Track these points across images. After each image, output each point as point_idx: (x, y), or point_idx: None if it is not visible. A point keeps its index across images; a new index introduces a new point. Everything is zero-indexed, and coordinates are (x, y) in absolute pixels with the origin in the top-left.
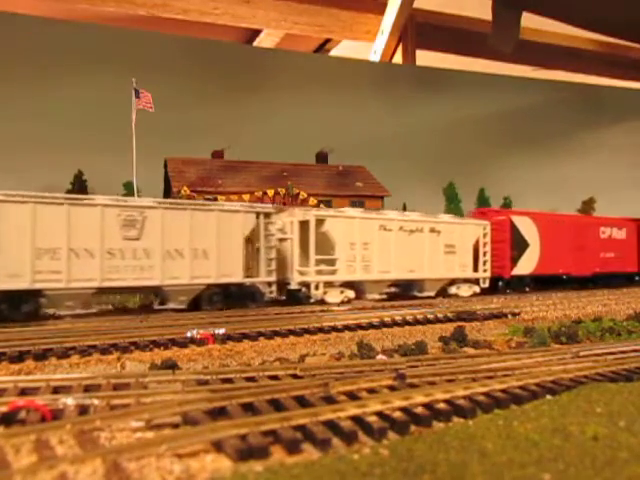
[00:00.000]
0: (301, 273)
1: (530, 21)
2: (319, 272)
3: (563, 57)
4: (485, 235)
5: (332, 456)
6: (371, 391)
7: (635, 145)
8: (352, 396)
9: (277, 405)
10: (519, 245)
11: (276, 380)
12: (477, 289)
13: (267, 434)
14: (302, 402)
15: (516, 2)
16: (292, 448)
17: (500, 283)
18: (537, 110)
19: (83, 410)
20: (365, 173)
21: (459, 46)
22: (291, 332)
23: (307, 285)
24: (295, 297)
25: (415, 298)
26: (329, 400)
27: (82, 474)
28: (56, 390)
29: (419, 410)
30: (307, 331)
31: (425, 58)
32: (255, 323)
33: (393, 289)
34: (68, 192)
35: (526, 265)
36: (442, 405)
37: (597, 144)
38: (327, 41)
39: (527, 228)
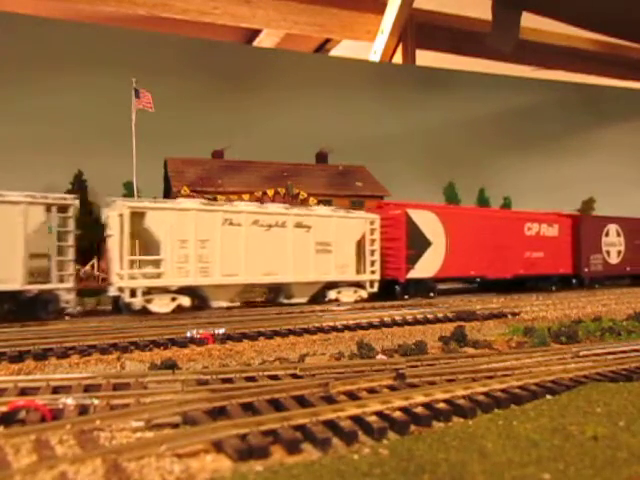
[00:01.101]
0: (120, 277)
1: (530, 21)
2: (141, 276)
3: (563, 57)
4: (373, 231)
5: (332, 456)
6: (371, 391)
7: (635, 145)
8: (352, 396)
9: (277, 405)
10: (418, 243)
11: (276, 380)
12: (364, 294)
13: (267, 434)
14: (302, 402)
15: (516, 2)
16: (292, 448)
17: (397, 287)
18: (537, 110)
19: (83, 410)
20: (365, 173)
21: (459, 46)
22: (291, 332)
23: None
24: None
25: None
26: (329, 400)
27: (82, 474)
28: (56, 390)
29: (419, 410)
30: (307, 331)
31: (425, 58)
32: (255, 323)
33: (261, 296)
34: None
35: (427, 267)
36: (442, 405)
37: (597, 144)
38: (327, 41)
39: (429, 224)
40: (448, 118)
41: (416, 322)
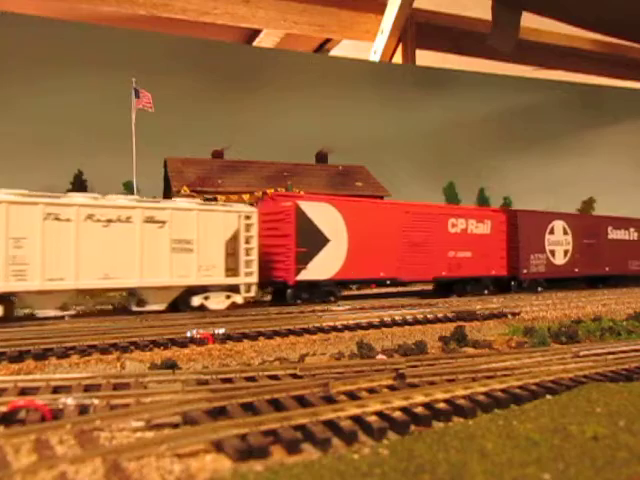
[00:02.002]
0: None
1: (530, 21)
2: None
3: (563, 57)
4: (249, 227)
5: (332, 456)
6: (371, 391)
7: (636, 145)
8: (352, 396)
9: (277, 405)
10: (312, 240)
11: (276, 380)
12: (239, 299)
13: (267, 434)
14: (302, 402)
15: (516, 2)
16: (292, 448)
17: (289, 291)
18: (537, 110)
19: (83, 410)
20: (365, 173)
21: (459, 46)
22: (291, 332)
23: None
24: None
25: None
26: (329, 400)
27: (82, 474)
28: (56, 390)
29: (419, 410)
30: (307, 331)
31: (425, 58)
32: (255, 323)
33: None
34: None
35: (324, 267)
36: (442, 405)
37: (597, 144)
38: (327, 41)
39: (327, 218)
40: (448, 118)
41: (416, 322)
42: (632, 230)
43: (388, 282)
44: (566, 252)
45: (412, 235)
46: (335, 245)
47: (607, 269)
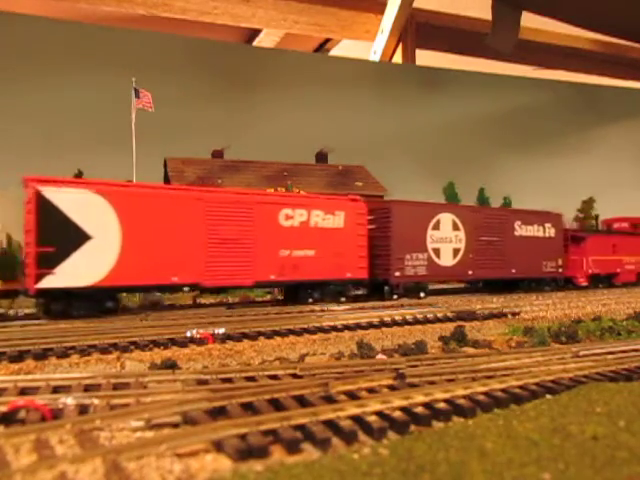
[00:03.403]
0: None
1: (530, 21)
2: None
3: (563, 57)
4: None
5: (332, 456)
6: (371, 391)
7: (636, 145)
8: (352, 396)
9: (277, 405)
10: (62, 237)
11: (276, 380)
12: None
13: (267, 434)
14: (302, 402)
15: (516, 2)
16: (292, 448)
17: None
18: (537, 110)
19: (83, 410)
20: (364, 173)
21: (459, 46)
22: (291, 332)
23: None
24: None
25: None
26: (329, 400)
27: (82, 474)
28: (56, 390)
29: (419, 410)
30: (307, 331)
31: (425, 58)
32: (255, 323)
33: None
34: None
35: (81, 271)
36: (442, 405)
37: (597, 144)
38: (327, 41)
39: (87, 209)
40: (448, 118)
41: (416, 322)
42: (548, 226)
43: (186, 289)
44: (456, 251)
45: (222, 230)
46: (99, 243)
47: (513, 271)
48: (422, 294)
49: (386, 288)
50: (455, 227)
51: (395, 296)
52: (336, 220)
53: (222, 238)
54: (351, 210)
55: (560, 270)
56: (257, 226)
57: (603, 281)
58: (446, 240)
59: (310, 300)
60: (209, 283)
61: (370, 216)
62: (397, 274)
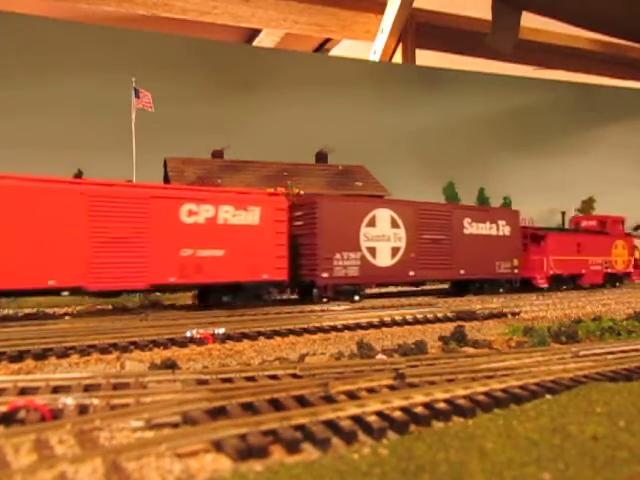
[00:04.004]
0: None
1: (530, 21)
2: None
3: (563, 57)
4: None
5: (332, 456)
6: (371, 391)
7: (636, 145)
8: (352, 396)
9: (277, 405)
10: None
11: (276, 380)
12: None
13: (267, 434)
14: (302, 402)
15: (516, 2)
16: (292, 448)
17: None
18: (537, 110)
19: (83, 410)
20: (364, 172)
21: (459, 46)
22: (291, 332)
23: None
24: None
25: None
26: (329, 400)
27: (82, 474)
28: (56, 390)
29: (419, 410)
30: (307, 331)
31: (425, 58)
32: (255, 323)
33: None
34: None
35: None
36: (442, 405)
37: (597, 144)
38: (327, 41)
39: None
40: (448, 118)
41: (416, 322)
42: (502, 224)
43: (66, 293)
44: (396, 250)
45: (109, 227)
46: None
47: (462, 272)
48: (356, 297)
49: (315, 291)
50: (394, 224)
51: (325, 299)
52: (250, 216)
53: (110, 237)
54: (268, 205)
55: (516, 271)
56: (152, 223)
57: (567, 282)
58: (383, 238)
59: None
60: (94, 287)
61: (297, 212)
62: (324, 275)
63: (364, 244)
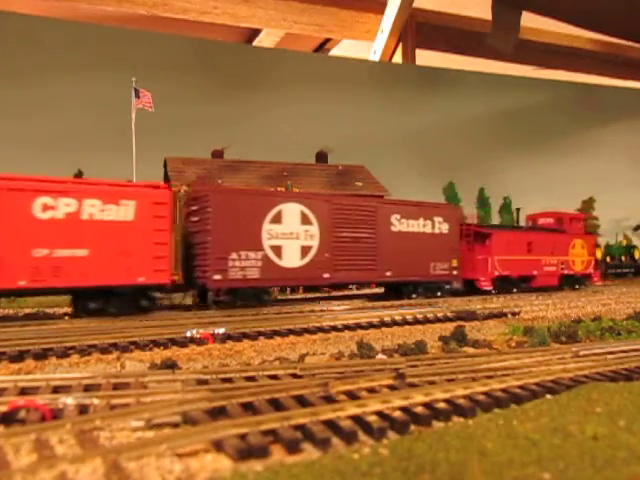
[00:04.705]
0: None
1: (530, 21)
2: None
3: (563, 57)
4: None
5: (332, 455)
6: (371, 390)
7: (636, 144)
8: (352, 395)
9: (277, 404)
10: None
11: (276, 379)
12: None
13: (267, 433)
14: (302, 401)
15: (516, 2)
16: (292, 447)
17: None
18: (537, 110)
19: (83, 409)
20: (364, 172)
21: (459, 46)
22: (291, 331)
23: None
24: None
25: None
26: (329, 399)
27: (82, 473)
28: (56, 389)
29: (419, 409)
30: (307, 330)
31: (425, 58)
32: (255, 322)
33: None
34: None
35: None
36: (442, 404)
37: (597, 143)
38: (327, 40)
39: None
40: (448, 118)
41: (416, 322)
42: (439, 220)
43: None
44: (307, 250)
45: None
46: None
47: (388, 274)
48: (266, 297)
49: (209, 294)
50: (305, 220)
51: (214, 306)
52: (122, 211)
53: None
54: (145, 199)
55: (455, 272)
56: None
57: (516, 285)
58: (291, 236)
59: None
60: None
61: (192, 206)
62: (217, 277)
63: (267, 242)
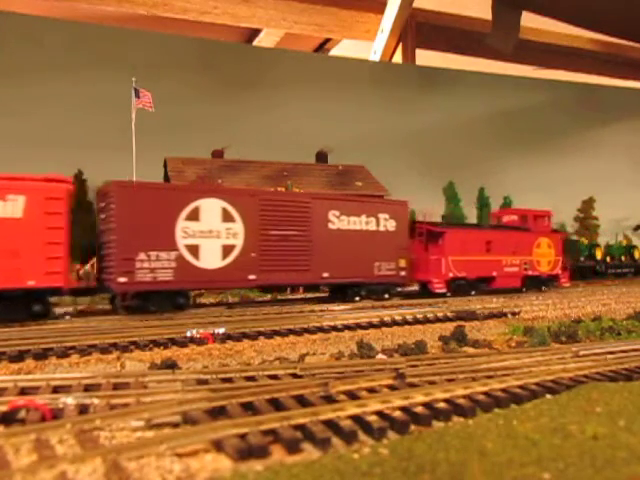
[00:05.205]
0: None
1: (530, 21)
2: None
3: (563, 57)
4: None
5: (332, 455)
6: (371, 390)
7: (636, 144)
8: (352, 395)
9: (277, 404)
10: None
11: (276, 379)
12: None
13: (267, 433)
14: (302, 401)
15: (516, 2)
16: (292, 447)
17: None
18: (537, 110)
19: (83, 409)
20: (364, 172)
21: (459, 46)
22: (291, 331)
23: None
24: None
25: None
26: (329, 399)
27: (82, 473)
28: (56, 389)
29: (419, 409)
30: (307, 330)
31: (425, 57)
32: (255, 322)
33: None
34: None
35: None
36: (442, 404)
37: (597, 143)
38: (327, 40)
39: None
40: (448, 117)
41: (416, 322)
42: (384, 217)
43: None
44: (229, 249)
45: None
46: None
47: (325, 275)
48: (181, 302)
49: (117, 299)
50: (227, 217)
51: (121, 310)
52: (9, 207)
53: None
54: (36, 194)
55: (402, 273)
56: None
57: (474, 287)
58: (211, 234)
59: None
60: None
61: (101, 203)
62: (122, 280)
63: (182, 241)
